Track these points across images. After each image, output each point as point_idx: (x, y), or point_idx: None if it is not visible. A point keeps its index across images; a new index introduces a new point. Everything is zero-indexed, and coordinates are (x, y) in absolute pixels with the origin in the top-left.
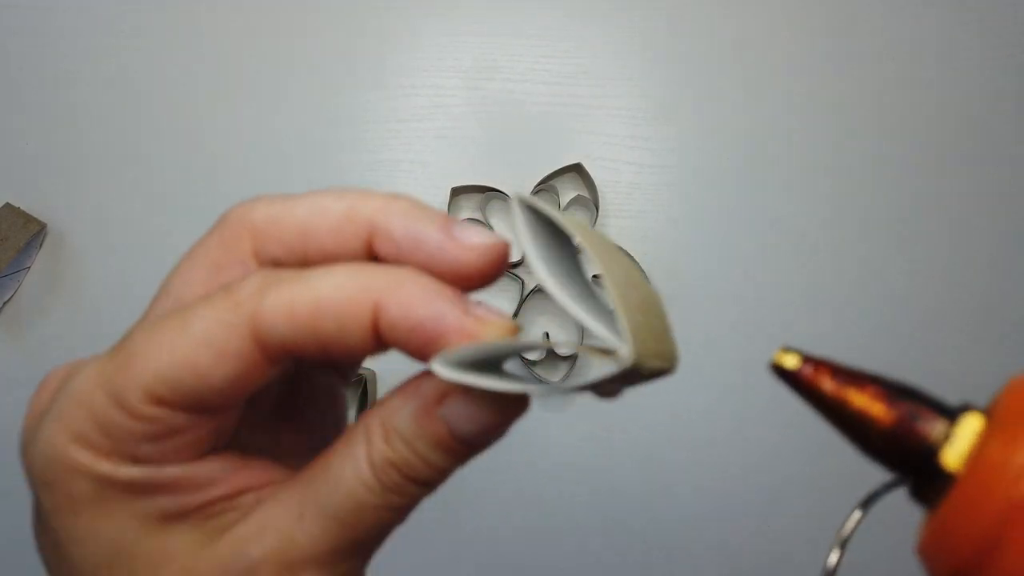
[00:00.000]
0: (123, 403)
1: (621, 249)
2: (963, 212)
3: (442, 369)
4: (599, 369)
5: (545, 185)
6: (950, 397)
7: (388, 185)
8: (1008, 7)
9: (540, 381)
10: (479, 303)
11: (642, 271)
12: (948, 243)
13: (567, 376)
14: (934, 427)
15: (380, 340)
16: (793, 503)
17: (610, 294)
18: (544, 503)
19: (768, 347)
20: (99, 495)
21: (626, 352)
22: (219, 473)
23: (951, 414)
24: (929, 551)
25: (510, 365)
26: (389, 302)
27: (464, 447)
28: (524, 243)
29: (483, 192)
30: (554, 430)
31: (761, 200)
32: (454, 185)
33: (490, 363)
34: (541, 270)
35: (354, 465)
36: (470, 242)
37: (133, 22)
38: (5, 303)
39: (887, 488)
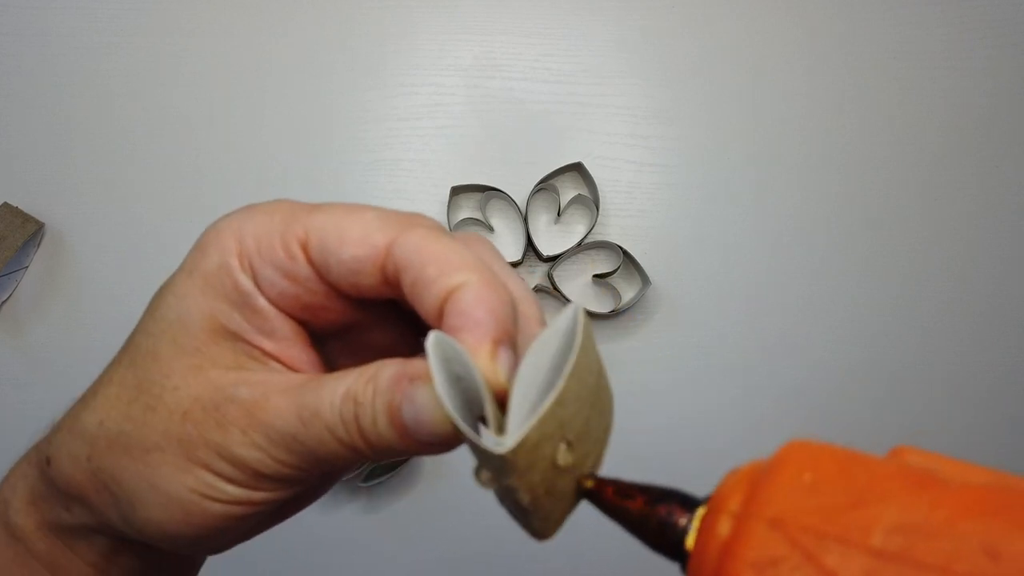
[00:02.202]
0: (284, 235)
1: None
2: (964, 213)
3: (429, 343)
4: (482, 438)
5: (545, 184)
6: (955, 400)
7: (388, 184)
8: (1014, 7)
9: (475, 429)
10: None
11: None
12: (950, 245)
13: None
14: (682, 519)
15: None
16: None
17: (553, 394)
18: None
19: (770, 347)
20: (213, 275)
21: (508, 443)
22: (284, 335)
23: (693, 507)
24: None
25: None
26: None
27: (404, 431)
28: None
29: (483, 191)
30: None
31: (762, 199)
32: (454, 184)
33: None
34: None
35: (339, 383)
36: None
37: (132, 23)
38: (3, 302)
39: None
